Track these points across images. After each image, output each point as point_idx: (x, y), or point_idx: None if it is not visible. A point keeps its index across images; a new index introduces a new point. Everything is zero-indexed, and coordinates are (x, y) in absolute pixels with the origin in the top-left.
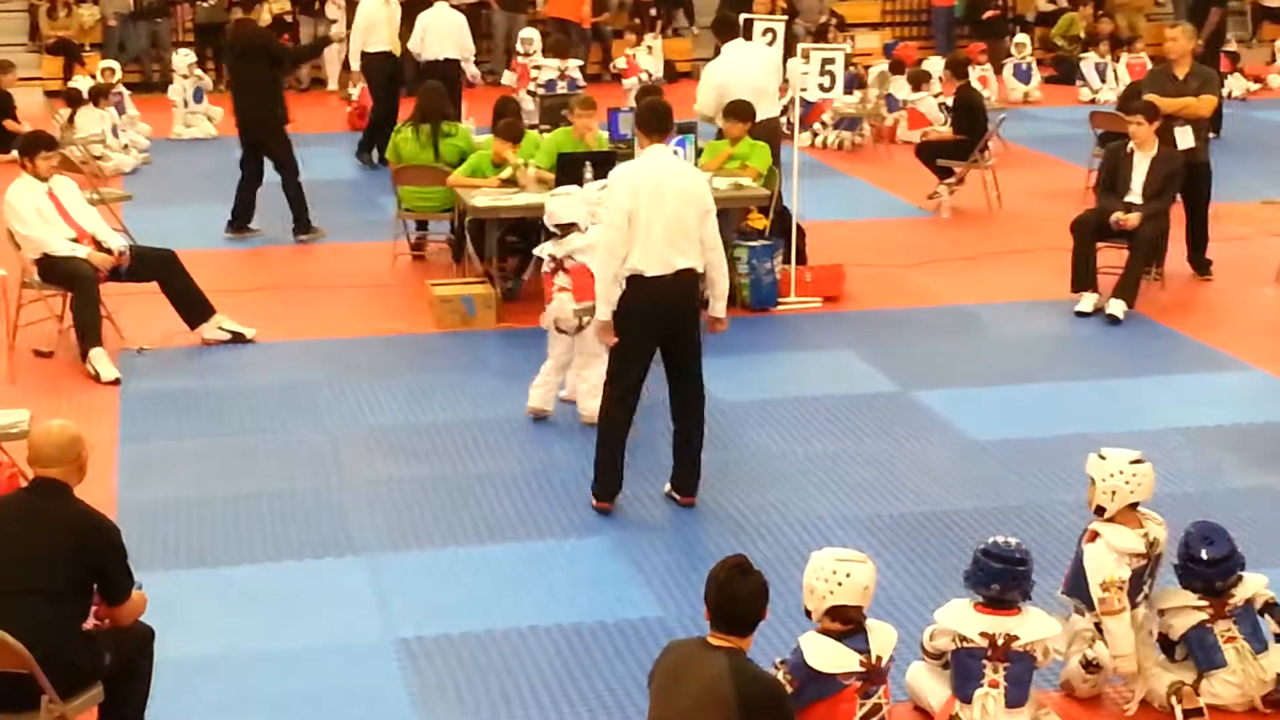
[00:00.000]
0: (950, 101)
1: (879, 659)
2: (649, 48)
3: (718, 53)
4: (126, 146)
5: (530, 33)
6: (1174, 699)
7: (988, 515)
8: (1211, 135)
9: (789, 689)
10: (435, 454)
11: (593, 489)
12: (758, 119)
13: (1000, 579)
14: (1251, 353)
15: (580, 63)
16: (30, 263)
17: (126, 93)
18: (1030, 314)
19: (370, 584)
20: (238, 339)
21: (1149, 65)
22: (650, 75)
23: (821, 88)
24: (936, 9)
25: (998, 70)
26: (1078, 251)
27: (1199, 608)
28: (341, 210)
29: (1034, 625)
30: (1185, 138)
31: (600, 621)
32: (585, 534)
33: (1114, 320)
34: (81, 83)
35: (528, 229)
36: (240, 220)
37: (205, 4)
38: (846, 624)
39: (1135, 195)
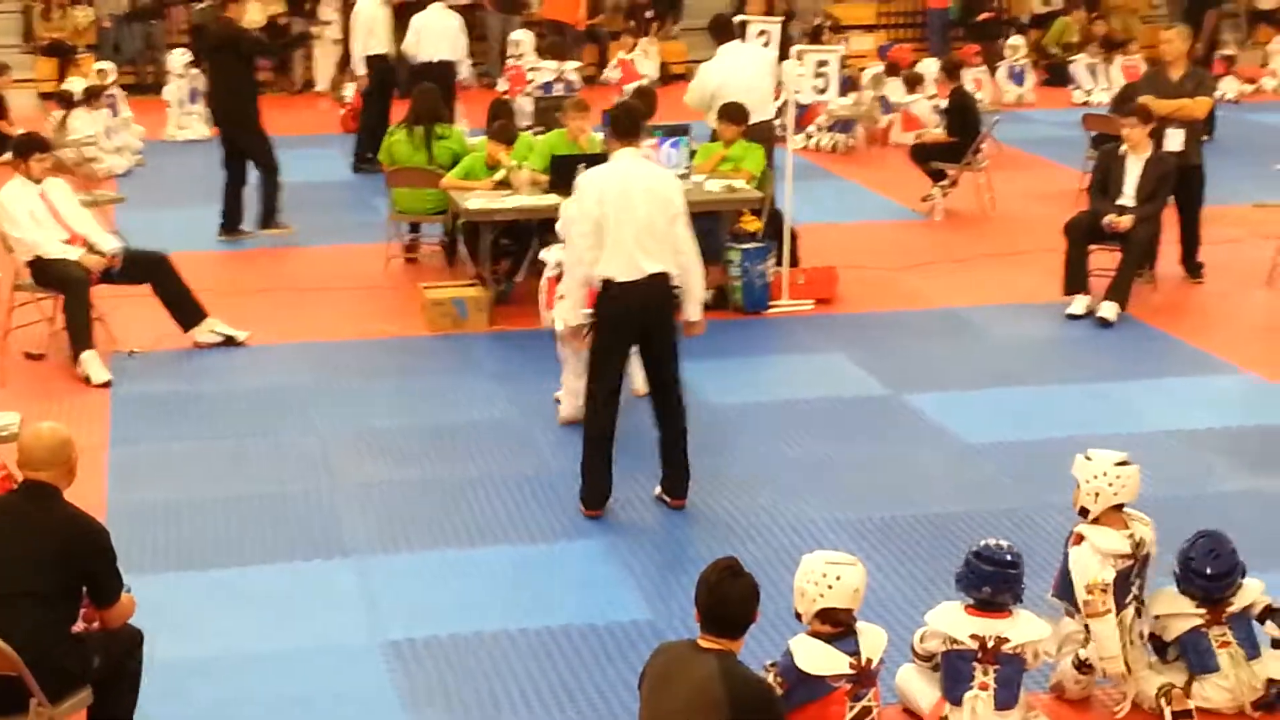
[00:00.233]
0: (944, 104)
1: (869, 661)
2: (644, 51)
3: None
4: (120, 149)
5: (520, 34)
6: (1163, 701)
7: (979, 518)
8: (1205, 138)
9: (779, 691)
10: (426, 457)
11: (581, 496)
12: (752, 121)
13: (991, 581)
14: (1243, 356)
15: (578, 65)
16: (22, 265)
17: (120, 94)
18: (1022, 317)
19: (360, 586)
20: (230, 342)
21: (1143, 67)
22: (649, 79)
23: (816, 90)
24: (931, 11)
25: (992, 72)
26: (1070, 254)
27: (1195, 614)
28: (334, 212)
29: (1024, 628)
30: (1174, 140)
31: (590, 624)
32: (575, 537)
33: (1106, 323)
34: (75, 84)
35: (521, 231)
36: (231, 222)
37: (200, 5)
38: (837, 626)
39: (1128, 198)
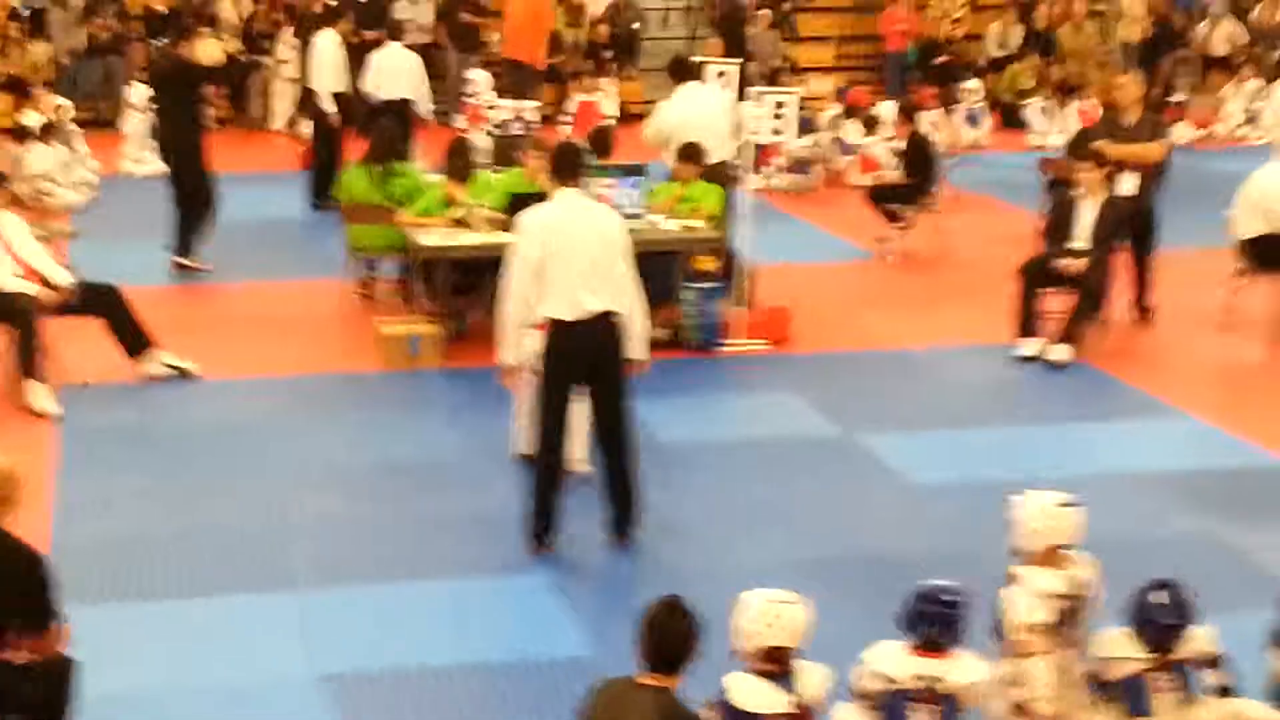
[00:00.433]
0: (902, 145)
1: (808, 700)
2: (605, 91)
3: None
4: (76, 183)
5: (477, 73)
6: None
7: (927, 559)
8: (1158, 182)
9: None
10: (376, 492)
11: (528, 533)
12: (710, 161)
13: (933, 622)
14: (1192, 401)
15: (536, 104)
16: None
17: (77, 130)
18: (974, 358)
19: (301, 620)
20: (181, 375)
21: (1098, 112)
22: (610, 120)
23: (774, 131)
24: (888, 54)
25: (948, 115)
26: (1023, 296)
27: (1140, 659)
28: (291, 248)
29: (965, 669)
30: (1129, 184)
31: (531, 660)
32: (518, 572)
33: (1057, 365)
34: (32, 119)
35: (477, 269)
36: (185, 249)
37: (159, 42)
38: (777, 665)
39: (1082, 241)
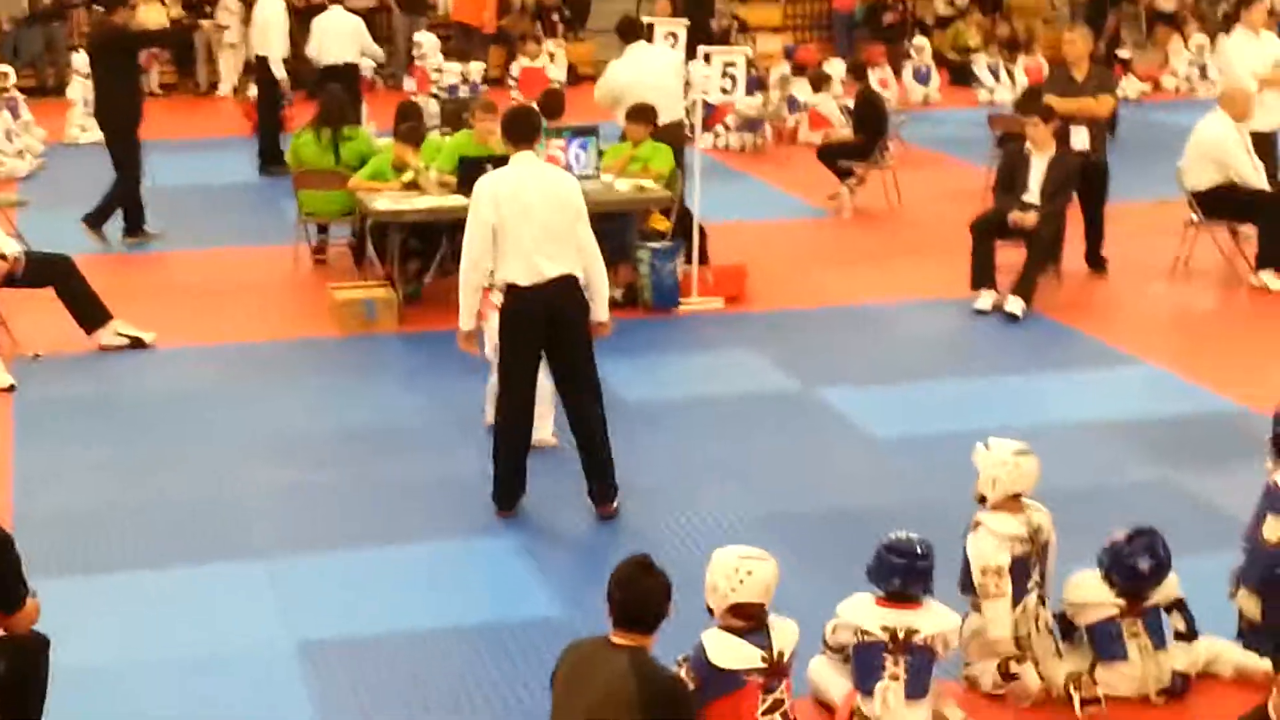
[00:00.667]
0: (851, 103)
1: (780, 654)
2: (551, 55)
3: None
4: (21, 151)
5: (424, 36)
6: (1072, 688)
7: (890, 511)
8: (1108, 136)
9: (691, 686)
10: (337, 458)
11: (493, 497)
12: (661, 122)
13: (901, 574)
14: (1146, 348)
15: (483, 66)
16: None
17: (21, 97)
18: (930, 312)
19: (271, 588)
20: (136, 344)
21: (1045, 68)
22: (558, 83)
23: (723, 90)
24: (836, 13)
25: (897, 73)
26: (976, 250)
27: (1112, 604)
28: (242, 214)
29: (934, 619)
30: (1080, 138)
31: (503, 622)
32: (486, 535)
33: (1012, 318)
34: None
35: (429, 232)
36: (134, 224)
37: (97, 9)
38: (748, 621)
39: (1033, 195)
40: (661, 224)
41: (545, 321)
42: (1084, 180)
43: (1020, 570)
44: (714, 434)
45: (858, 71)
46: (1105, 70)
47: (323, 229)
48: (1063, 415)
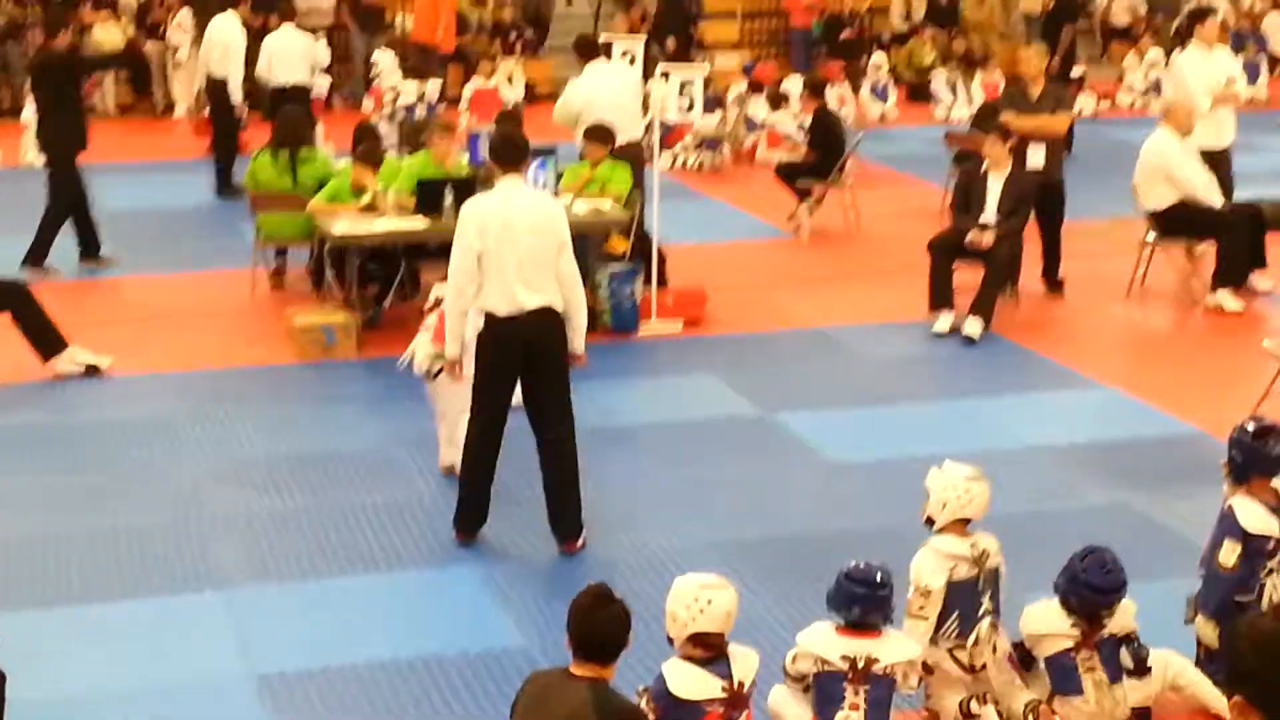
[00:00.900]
0: (809, 121)
1: (741, 684)
2: (509, 76)
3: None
4: None
5: (381, 56)
6: (1030, 717)
7: (849, 537)
8: (1065, 154)
9: (651, 717)
10: (295, 486)
11: (455, 522)
12: (620, 141)
13: (861, 602)
14: (1104, 371)
15: (439, 83)
16: None
17: None
18: (889, 335)
19: (229, 619)
20: (91, 371)
21: (1002, 84)
22: (513, 103)
23: (681, 109)
24: (794, 30)
25: (855, 90)
26: (934, 271)
27: (1067, 635)
28: (199, 238)
29: (894, 648)
30: (1036, 156)
31: (463, 652)
32: (446, 564)
33: (970, 340)
34: None
35: (388, 256)
36: (89, 248)
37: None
38: (709, 650)
39: (990, 215)
40: (620, 245)
41: (522, 353)
42: (1041, 199)
43: (968, 595)
44: (673, 459)
45: (815, 89)
46: (1061, 87)
47: (281, 252)
48: (1019, 438)
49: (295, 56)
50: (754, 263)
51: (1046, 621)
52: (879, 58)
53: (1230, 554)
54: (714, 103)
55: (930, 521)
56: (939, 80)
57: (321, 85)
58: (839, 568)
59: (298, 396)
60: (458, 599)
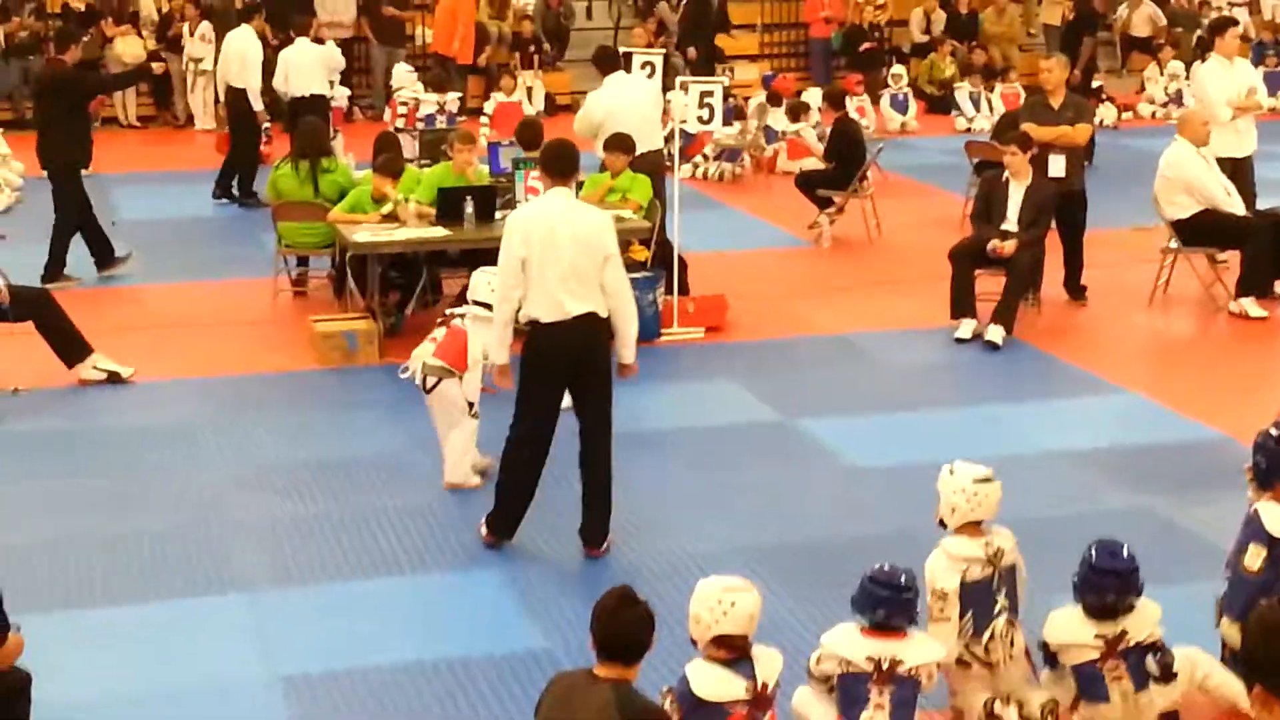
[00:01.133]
0: (829, 131)
1: (765, 685)
2: (529, 89)
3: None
4: None
5: (400, 68)
6: (1049, 717)
7: (869, 541)
8: (1086, 163)
9: (675, 718)
10: (318, 491)
11: (489, 522)
12: (640, 151)
13: (886, 604)
14: (1126, 376)
15: (459, 96)
16: None
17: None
18: (910, 342)
19: (252, 622)
20: (115, 379)
21: (1023, 95)
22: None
23: (700, 120)
24: (813, 41)
25: (875, 101)
26: (956, 279)
27: (1092, 646)
28: (221, 247)
29: (919, 649)
30: (1057, 166)
31: (486, 654)
32: (469, 567)
33: (992, 346)
34: None
35: (409, 264)
36: (104, 257)
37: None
38: (732, 652)
39: (1011, 224)
40: (640, 254)
41: (568, 360)
42: (1062, 208)
43: (982, 594)
44: (695, 465)
45: (835, 100)
46: (1081, 98)
47: (302, 261)
48: (1043, 443)
49: (311, 67)
50: (775, 271)
51: (1070, 631)
52: (899, 69)
53: (1255, 558)
54: (734, 114)
55: (943, 524)
56: (961, 93)
57: (341, 96)
58: (862, 571)
59: (319, 402)
60: (480, 602)
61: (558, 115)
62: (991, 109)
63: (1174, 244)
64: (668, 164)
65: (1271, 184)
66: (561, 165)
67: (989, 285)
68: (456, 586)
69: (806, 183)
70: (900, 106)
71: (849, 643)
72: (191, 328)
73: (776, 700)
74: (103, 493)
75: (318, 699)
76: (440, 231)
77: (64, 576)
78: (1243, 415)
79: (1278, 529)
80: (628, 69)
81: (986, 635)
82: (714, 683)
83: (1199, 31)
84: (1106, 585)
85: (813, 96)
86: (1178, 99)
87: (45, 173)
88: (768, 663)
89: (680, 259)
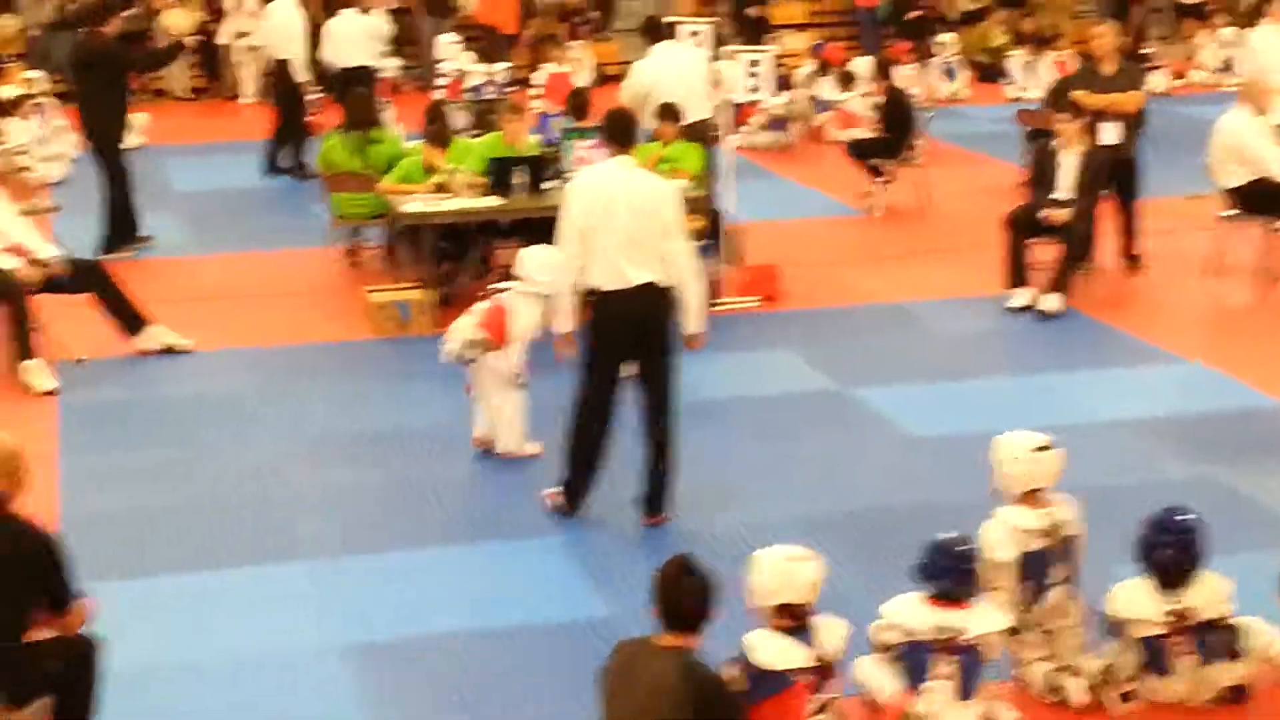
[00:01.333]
0: (880, 100)
1: (828, 654)
2: (578, 60)
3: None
4: (53, 157)
5: (448, 38)
6: (1108, 688)
7: (926, 511)
8: (1139, 130)
9: (740, 687)
10: (376, 459)
11: (561, 483)
12: (688, 120)
13: (950, 574)
14: (1183, 345)
15: (508, 66)
16: None
17: (52, 103)
18: (965, 310)
19: (314, 590)
20: (174, 350)
21: (1073, 63)
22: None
23: (749, 89)
24: (861, 9)
25: (924, 69)
26: (1010, 247)
27: (1157, 622)
28: (275, 217)
29: (982, 619)
30: (1109, 133)
31: (549, 622)
32: (531, 535)
33: (1048, 315)
34: (7, 93)
35: (461, 234)
36: (123, 236)
37: (127, 13)
38: (795, 621)
39: (1064, 191)
40: (693, 223)
41: (631, 328)
42: (1116, 176)
43: (1039, 565)
44: (752, 434)
45: (884, 68)
46: (1134, 65)
47: (356, 231)
48: (1100, 412)
49: (357, 38)
50: (827, 240)
51: (1135, 605)
52: (947, 37)
53: None
54: (783, 83)
55: (1001, 494)
56: (1013, 62)
57: (392, 67)
58: (924, 540)
59: (374, 371)
60: (541, 570)
61: (606, 85)
62: (1042, 77)
63: (1229, 212)
64: (717, 133)
65: None
66: (623, 134)
67: (1044, 254)
68: (516, 554)
69: (857, 151)
70: (950, 75)
71: (912, 612)
72: (246, 298)
73: (840, 669)
74: (166, 461)
75: (380, 667)
76: (491, 201)
77: (130, 544)
78: None
79: None
80: (675, 38)
81: (1042, 605)
82: (776, 652)
83: None
84: (1165, 543)
85: (861, 65)
86: (1229, 66)
87: (89, 146)
88: (831, 632)
89: (732, 228)
